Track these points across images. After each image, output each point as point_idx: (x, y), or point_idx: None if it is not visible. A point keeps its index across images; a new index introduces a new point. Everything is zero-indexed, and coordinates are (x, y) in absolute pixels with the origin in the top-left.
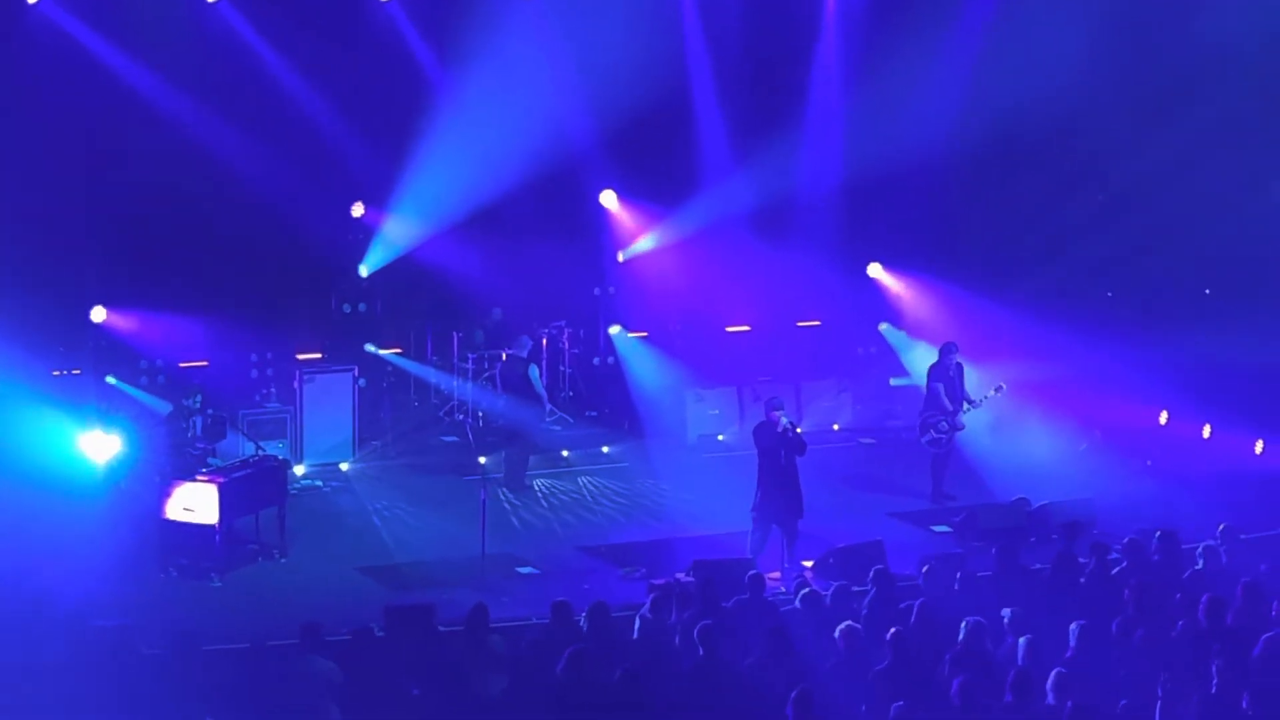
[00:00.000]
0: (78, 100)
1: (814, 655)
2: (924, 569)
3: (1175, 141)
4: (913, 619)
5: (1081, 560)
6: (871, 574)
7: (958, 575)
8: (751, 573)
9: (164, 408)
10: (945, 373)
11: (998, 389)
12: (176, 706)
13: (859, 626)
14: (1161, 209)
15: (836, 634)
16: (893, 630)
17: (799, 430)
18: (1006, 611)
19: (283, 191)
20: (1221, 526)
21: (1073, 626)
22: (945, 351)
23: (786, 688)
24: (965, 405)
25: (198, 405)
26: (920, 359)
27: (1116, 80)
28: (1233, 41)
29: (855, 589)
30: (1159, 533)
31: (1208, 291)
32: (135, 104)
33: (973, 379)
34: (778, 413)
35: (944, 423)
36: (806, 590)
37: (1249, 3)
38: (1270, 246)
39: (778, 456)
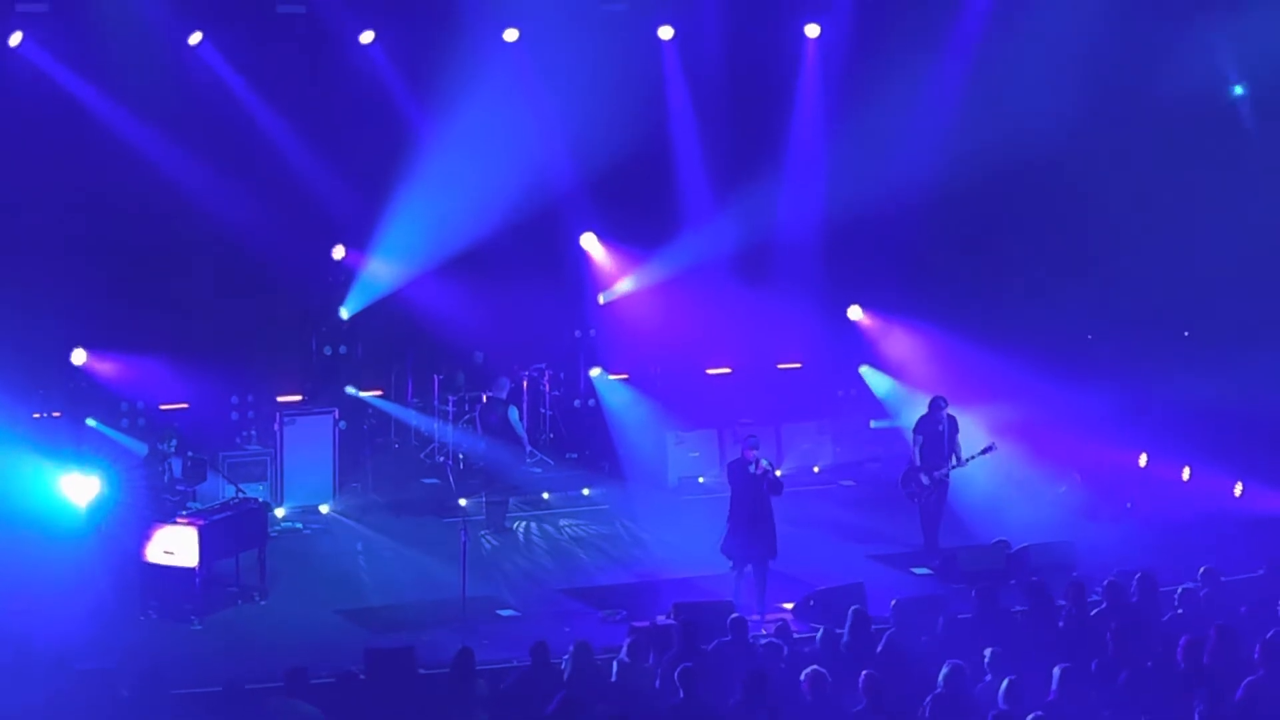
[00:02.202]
0: (58, 142)
1: (794, 699)
2: (893, 603)
3: (1156, 185)
4: (879, 648)
5: (1061, 603)
6: (849, 615)
7: (940, 620)
8: (734, 615)
9: (142, 450)
10: (933, 427)
11: (987, 449)
12: None
13: (824, 671)
14: (1141, 252)
15: (802, 678)
16: (865, 673)
17: (779, 473)
18: (988, 651)
19: (263, 234)
20: (1203, 569)
21: (1055, 670)
22: (934, 405)
23: None
24: (954, 461)
25: (173, 449)
26: (901, 402)
27: (1097, 124)
28: (1214, 86)
29: (837, 631)
30: (1138, 574)
31: (1187, 334)
32: (116, 146)
33: (967, 430)
34: (753, 452)
35: (922, 477)
36: (782, 626)
37: (1229, 49)
38: (1249, 290)
39: (748, 494)
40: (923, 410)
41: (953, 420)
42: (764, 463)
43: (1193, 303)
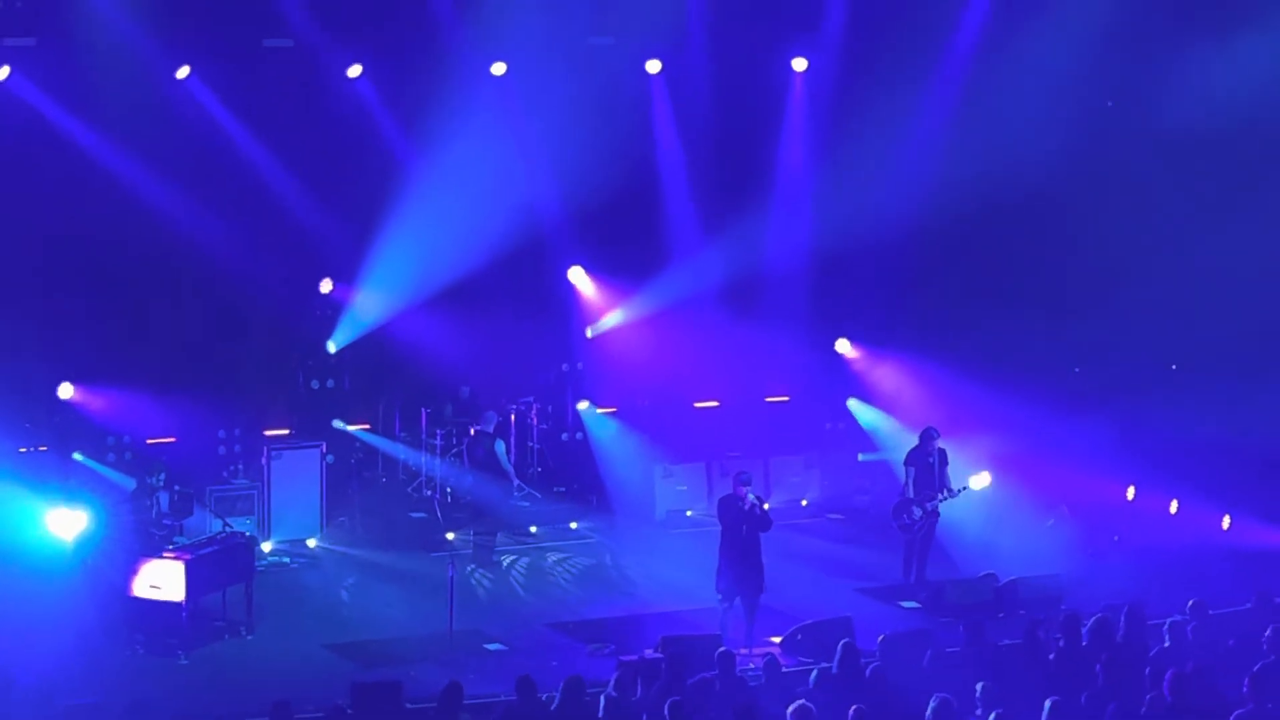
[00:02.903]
0: (46, 176)
1: None
2: (880, 639)
3: (1144, 217)
4: (867, 681)
5: (1049, 636)
6: (839, 648)
7: (929, 653)
8: (721, 650)
9: (130, 484)
10: (924, 458)
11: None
12: None
13: (810, 706)
14: (1128, 284)
15: (789, 713)
16: (854, 708)
17: (766, 506)
18: (980, 685)
19: (251, 267)
20: (1191, 602)
21: (1046, 703)
22: (926, 437)
23: None
24: (944, 494)
25: (161, 483)
26: (889, 436)
27: (1084, 156)
28: (1199, 122)
29: (824, 665)
30: (1126, 608)
31: (1174, 367)
32: (103, 180)
33: (959, 463)
34: (745, 488)
35: (915, 509)
36: (770, 660)
37: (1217, 85)
38: (1237, 323)
39: (739, 531)
40: (912, 443)
41: (942, 452)
42: (753, 497)
43: (1181, 335)
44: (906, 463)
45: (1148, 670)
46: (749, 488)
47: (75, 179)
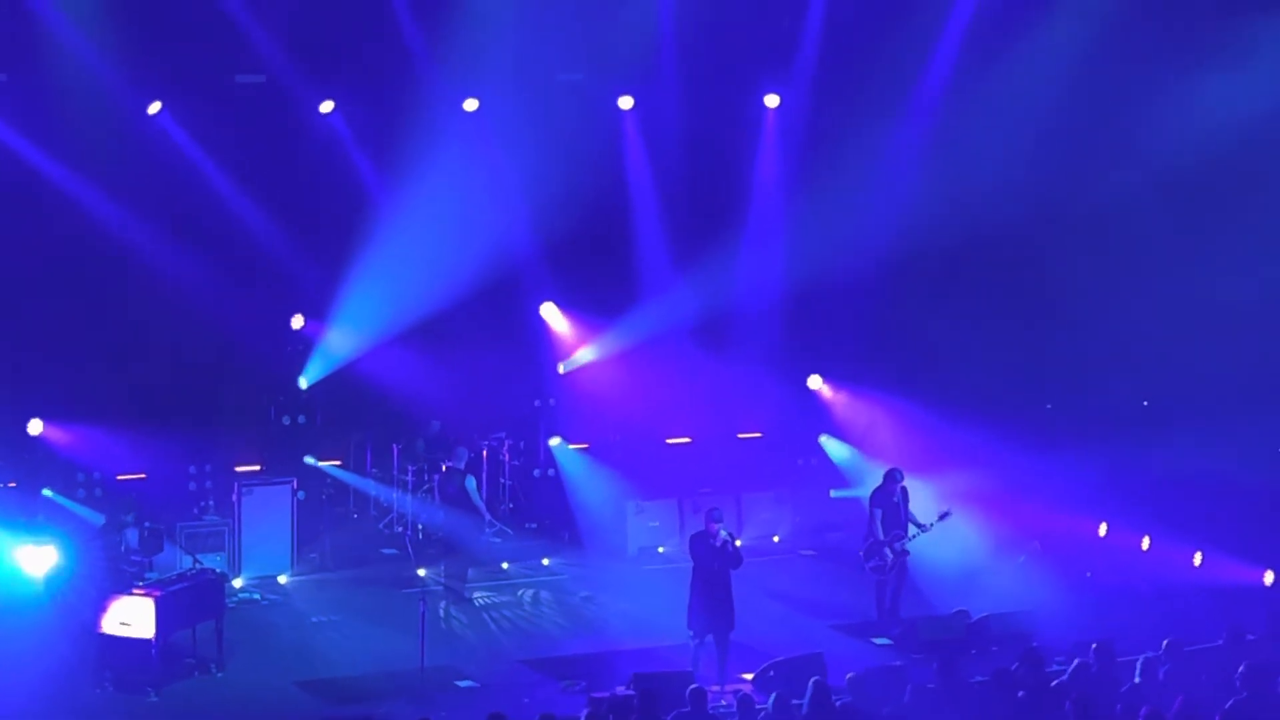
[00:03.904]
0: (16, 211)
1: None
2: (848, 677)
3: (1116, 254)
4: (836, 711)
5: (1020, 672)
6: (810, 686)
7: (909, 688)
8: (693, 687)
9: (99, 520)
10: (889, 499)
11: (944, 515)
12: None
13: None
14: (1100, 320)
15: None
16: None
17: (738, 543)
18: None
19: (222, 303)
20: (1166, 642)
21: None
22: (889, 478)
23: None
24: (914, 530)
25: (131, 520)
26: (861, 472)
27: (1057, 193)
28: (1173, 157)
29: (794, 702)
30: (1094, 644)
31: (1146, 403)
32: (74, 215)
33: (920, 497)
34: (717, 525)
35: (887, 550)
36: (743, 697)
37: (1191, 118)
38: (1208, 359)
39: (711, 567)
40: (879, 482)
41: (904, 490)
42: (725, 534)
43: (1153, 372)
44: (872, 504)
45: (1119, 707)
46: (720, 524)
47: (46, 214)
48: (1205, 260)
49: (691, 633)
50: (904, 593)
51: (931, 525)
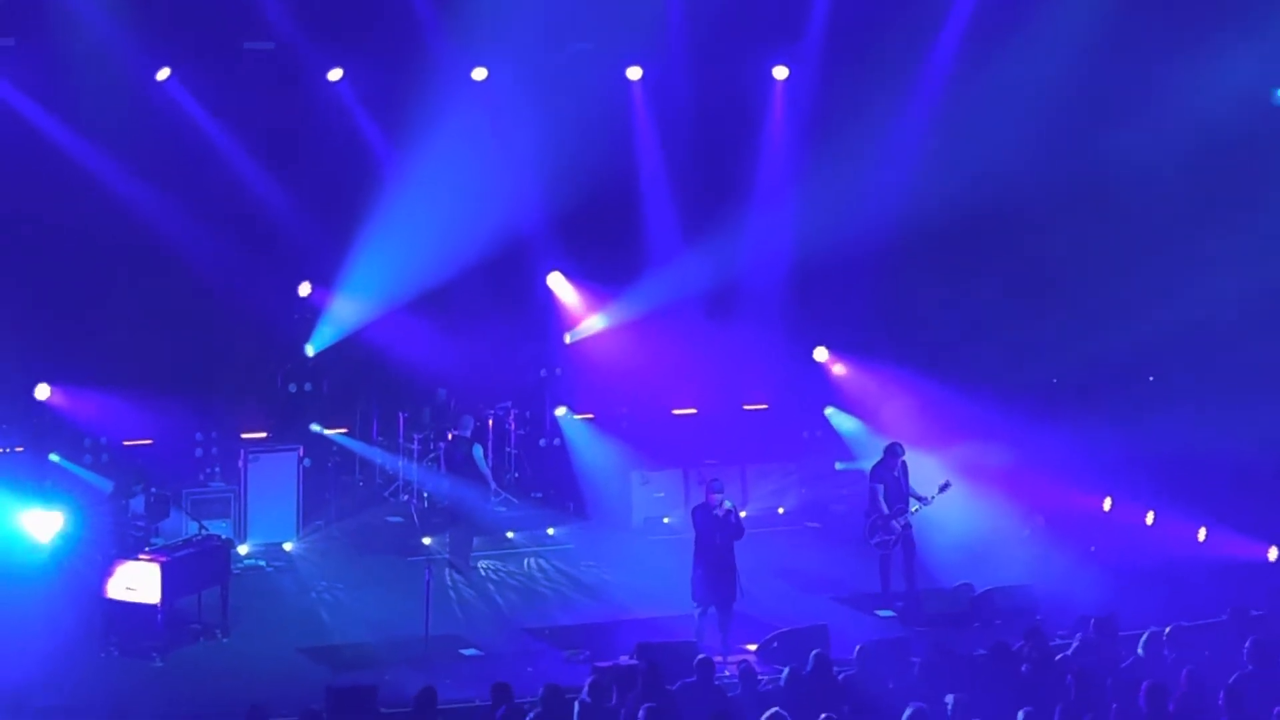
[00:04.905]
0: (23, 176)
1: None
2: (858, 649)
3: (1122, 229)
4: (840, 689)
5: (1022, 647)
6: (810, 659)
7: (912, 660)
8: (700, 657)
9: (106, 486)
10: (889, 473)
11: (944, 487)
12: None
13: (784, 713)
14: (1107, 295)
15: None
16: (824, 716)
17: (743, 515)
18: (950, 698)
19: (229, 270)
20: (1168, 629)
21: (1020, 715)
22: (890, 452)
23: None
24: (916, 504)
25: (139, 490)
26: (866, 444)
27: (1063, 169)
28: (1180, 133)
29: (801, 672)
30: (1093, 619)
31: (1152, 378)
32: (81, 179)
33: (921, 470)
34: (718, 495)
35: (894, 524)
36: (746, 668)
37: (1198, 96)
38: (1214, 335)
39: (713, 539)
40: (879, 457)
41: (905, 465)
42: (727, 504)
43: (1158, 347)
44: (873, 479)
45: (1118, 680)
46: (721, 495)
47: (54, 179)
48: (1212, 234)
49: (695, 604)
50: (916, 566)
51: (932, 498)
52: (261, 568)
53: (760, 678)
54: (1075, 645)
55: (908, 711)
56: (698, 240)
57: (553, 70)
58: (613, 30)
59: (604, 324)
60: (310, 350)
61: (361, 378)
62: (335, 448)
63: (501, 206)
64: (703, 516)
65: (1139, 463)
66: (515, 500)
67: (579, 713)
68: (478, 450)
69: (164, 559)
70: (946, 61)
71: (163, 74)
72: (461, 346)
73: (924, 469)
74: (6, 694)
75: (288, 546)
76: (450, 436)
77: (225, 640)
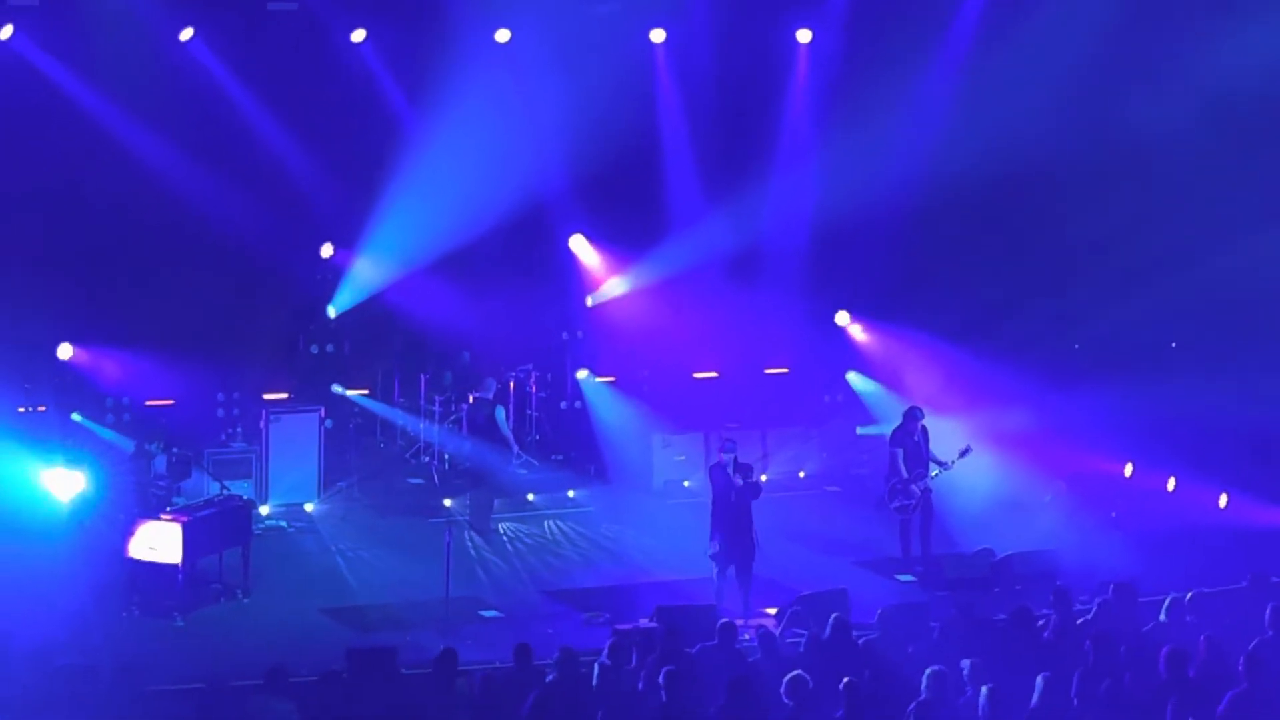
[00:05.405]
0: (47, 136)
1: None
2: (879, 612)
3: (1145, 195)
4: (860, 654)
5: (1044, 612)
6: (829, 623)
7: (932, 624)
8: (722, 621)
9: (128, 446)
10: (909, 438)
11: (964, 451)
12: None
13: (805, 676)
14: (1130, 261)
15: (783, 685)
16: (845, 680)
17: (763, 478)
18: (965, 663)
19: (252, 231)
20: (1190, 595)
21: (1038, 679)
22: (909, 416)
23: None
24: (937, 468)
25: (158, 450)
26: (887, 409)
27: (1088, 134)
28: (1204, 99)
29: (821, 636)
30: (1112, 585)
31: (1174, 344)
32: (105, 140)
33: (942, 434)
34: (727, 455)
35: (914, 488)
36: (765, 631)
37: (1225, 62)
38: (1235, 301)
39: (728, 498)
40: (898, 421)
41: (925, 430)
42: (732, 461)
43: (1181, 312)
44: (893, 444)
45: (1141, 648)
46: (734, 455)
47: (77, 139)
48: (1237, 200)
49: (715, 565)
50: (933, 531)
51: (953, 463)
52: (283, 528)
53: (780, 642)
54: (1094, 610)
55: (928, 674)
56: (720, 203)
57: (576, 32)
58: None
59: (626, 287)
60: (332, 311)
61: (383, 339)
62: (356, 409)
63: (524, 169)
64: (720, 475)
65: (1160, 428)
66: (536, 463)
67: (599, 674)
68: (500, 412)
69: (185, 519)
70: (971, 25)
71: (186, 34)
72: (483, 309)
73: (945, 434)
74: (29, 652)
75: (309, 507)
76: (472, 399)
77: (246, 600)
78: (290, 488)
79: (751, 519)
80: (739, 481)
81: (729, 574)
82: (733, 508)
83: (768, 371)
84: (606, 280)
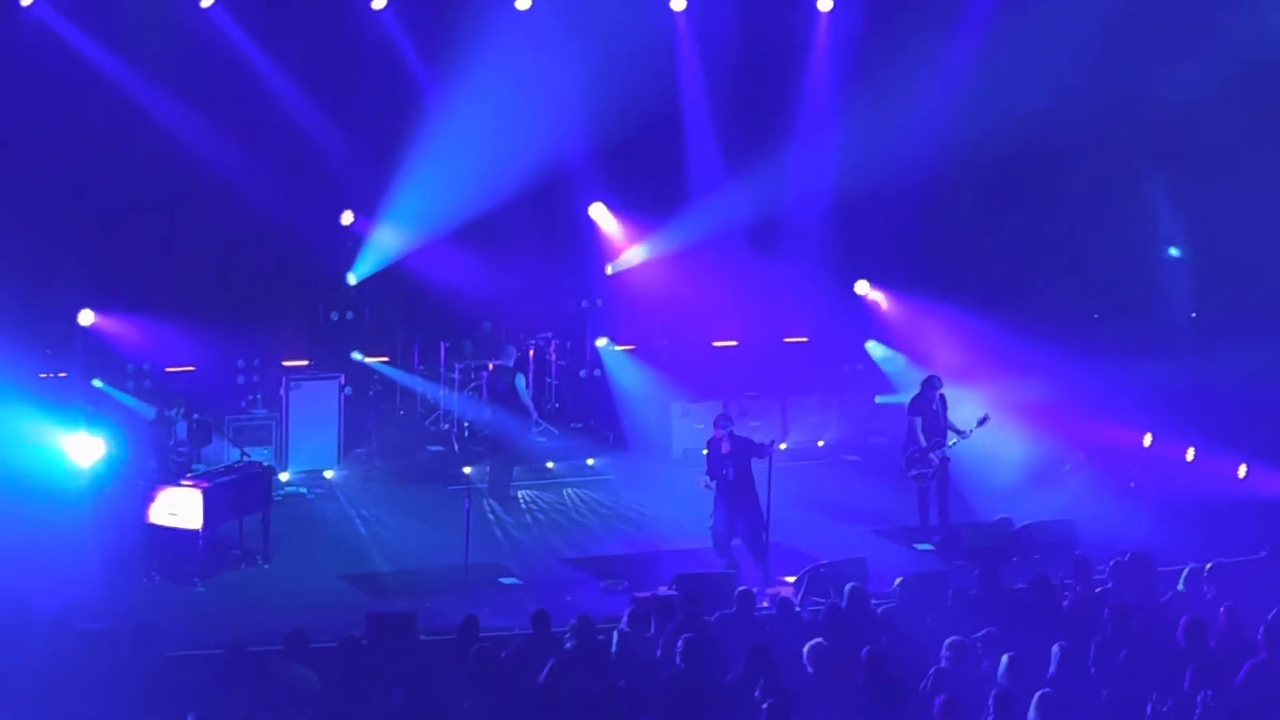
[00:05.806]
0: (68, 102)
1: (796, 672)
2: (897, 581)
3: (1167, 166)
4: (880, 623)
5: (1065, 580)
6: (846, 592)
7: (950, 593)
8: (741, 589)
9: (149, 412)
10: (927, 406)
11: (983, 420)
12: (159, 708)
13: (826, 644)
14: (1151, 232)
15: (805, 652)
16: (866, 648)
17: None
18: (983, 632)
19: (272, 198)
20: (1209, 565)
21: (1055, 648)
22: (928, 385)
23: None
24: (955, 437)
25: (179, 416)
26: (907, 378)
27: (1109, 105)
28: (1229, 73)
29: (840, 605)
30: (1130, 554)
31: (1194, 315)
32: (126, 107)
33: (961, 403)
34: (722, 431)
35: (932, 457)
36: (783, 600)
37: (1245, 34)
38: (1259, 271)
39: (724, 475)
40: (917, 390)
41: (943, 398)
42: (726, 432)
43: (1201, 283)
44: (911, 412)
45: (1159, 617)
46: (728, 429)
47: (99, 105)
48: (1261, 171)
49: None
50: (950, 499)
51: (971, 431)
52: (303, 495)
53: (798, 610)
54: (1110, 580)
55: (947, 643)
56: (740, 172)
57: (596, 0)
58: None
59: (645, 255)
60: (352, 279)
61: (403, 307)
62: (376, 376)
63: (544, 137)
64: (711, 452)
65: (1180, 399)
66: (555, 430)
67: (617, 642)
68: (520, 380)
69: (206, 485)
70: None
71: (207, 1)
72: (503, 277)
73: (963, 402)
74: (50, 618)
75: (329, 474)
76: (492, 366)
77: (266, 566)
78: (310, 454)
79: (755, 493)
80: (725, 448)
81: (736, 546)
82: (729, 485)
83: (787, 340)
84: (626, 249)
